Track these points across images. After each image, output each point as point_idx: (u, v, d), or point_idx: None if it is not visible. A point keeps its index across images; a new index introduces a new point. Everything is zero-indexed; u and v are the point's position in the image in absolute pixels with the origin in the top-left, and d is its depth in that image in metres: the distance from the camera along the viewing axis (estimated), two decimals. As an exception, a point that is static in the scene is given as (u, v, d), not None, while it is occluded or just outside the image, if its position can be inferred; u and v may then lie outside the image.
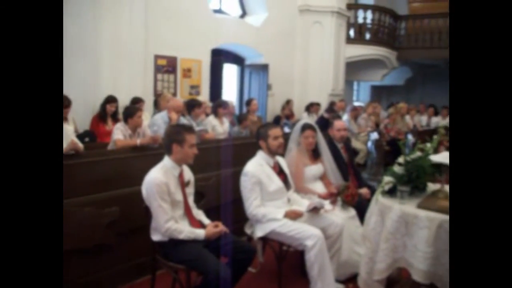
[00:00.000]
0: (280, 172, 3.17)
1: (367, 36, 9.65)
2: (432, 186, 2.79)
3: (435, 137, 2.83)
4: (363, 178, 4.30)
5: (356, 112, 7.91)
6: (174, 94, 5.83)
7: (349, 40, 9.26)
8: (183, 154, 2.50)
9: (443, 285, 2.38)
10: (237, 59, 7.97)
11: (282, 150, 3.16)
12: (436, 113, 9.64)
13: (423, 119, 9.33)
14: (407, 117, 8.42)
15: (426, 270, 2.32)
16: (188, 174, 2.67)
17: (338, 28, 8.74)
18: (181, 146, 2.48)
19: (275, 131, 3.04)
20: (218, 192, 3.61)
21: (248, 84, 7.97)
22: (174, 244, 2.44)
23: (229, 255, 2.57)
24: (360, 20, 9.53)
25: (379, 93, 13.65)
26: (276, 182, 3.04)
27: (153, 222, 2.48)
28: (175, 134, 2.48)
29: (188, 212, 2.59)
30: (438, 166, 2.70)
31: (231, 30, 6.91)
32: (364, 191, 3.80)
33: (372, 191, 3.86)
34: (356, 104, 10.25)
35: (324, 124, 7.69)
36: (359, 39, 9.51)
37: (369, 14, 9.57)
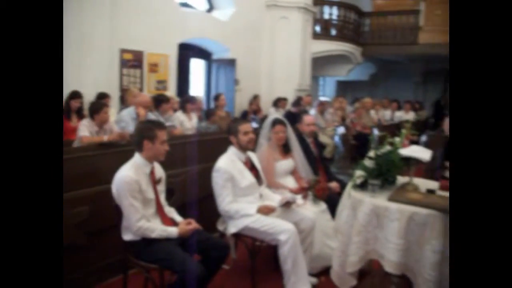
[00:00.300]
0: (252, 167, 3.16)
1: (333, 32, 9.80)
2: (401, 179, 2.86)
3: (403, 131, 2.90)
4: (332, 172, 4.36)
5: (323, 107, 8.02)
6: (141, 89, 5.68)
7: (315, 36, 9.35)
8: (155, 151, 2.44)
9: (413, 276, 2.46)
10: (204, 54, 7.88)
11: (252, 146, 3.15)
12: (399, 108, 9.93)
13: (387, 113, 9.59)
14: (372, 112, 8.63)
15: (397, 261, 2.38)
16: (160, 171, 2.61)
17: (304, 23, 8.81)
18: (152, 142, 2.42)
19: (245, 127, 3.03)
20: (189, 188, 3.56)
21: (215, 79, 7.90)
22: (146, 243, 2.38)
23: (203, 252, 2.55)
24: (326, 16, 9.65)
25: (344, 88, 13.91)
26: (248, 178, 3.03)
27: (124, 221, 2.41)
28: (146, 131, 2.42)
29: (160, 210, 2.54)
30: (407, 159, 2.78)
31: (198, 24, 6.81)
32: (333, 185, 3.85)
33: (341, 185, 3.93)
34: (322, 99, 10.40)
35: (292, 118, 7.77)
36: (325, 34, 9.63)
37: (334, 10, 9.70)
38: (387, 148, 2.71)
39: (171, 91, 6.16)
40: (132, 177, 2.33)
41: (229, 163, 2.99)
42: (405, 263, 2.43)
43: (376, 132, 7.20)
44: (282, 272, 3.00)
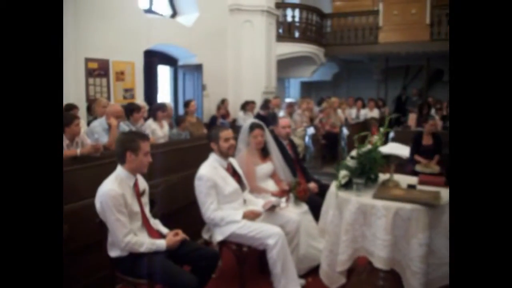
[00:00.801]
0: (234, 173, 3.14)
1: (296, 34, 9.92)
2: (382, 176, 2.93)
3: (381, 129, 2.96)
4: (309, 173, 4.41)
5: (291, 109, 8.09)
6: (108, 99, 5.51)
7: (279, 38, 9.43)
8: (138, 162, 2.37)
9: (402, 270, 2.52)
10: (170, 60, 7.76)
11: (233, 152, 3.13)
12: (363, 106, 10.19)
13: (353, 112, 9.81)
14: (339, 111, 8.81)
15: (387, 257, 2.43)
16: (143, 183, 2.54)
17: (268, 26, 8.87)
18: (135, 154, 2.35)
19: (226, 133, 3.01)
20: (169, 198, 3.49)
21: (182, 85, 7.79)
22: (135, 258, 2.31)
23: (192, 263, 2.50)
24: (289, 19, 9.76)
25: (308, 89, 14.12)
26: (231, 184, 3.01)
27: (110, 237, 2.32)
28: (129, 142, 2.34)
29: (146, 223, 2.47)
30: (387, 157, 2.85)
31: (163, 30, 6.69)
32: (312, 185, 3.89)
33: (319, 185, 3.98)
34: (288, 100, 10.51)
35: (262, 121, 7.82)
36: (288, 37, 9.74)
37: (297, 13, 9.84)
38: (368, 146, 2.76)
39: (139, 99, 6.02)
40: (117, 190, 2.25)
41: (211, 171, 2.96)
42: (394, 258, 2.49)
43: (345, 131, 7.38)
44: (272, 276, 3.00)
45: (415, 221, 2.43)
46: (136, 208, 2.39)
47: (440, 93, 11.98)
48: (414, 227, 2.43)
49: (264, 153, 3.65)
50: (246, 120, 8.16)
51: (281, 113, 8.14)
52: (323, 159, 7.77)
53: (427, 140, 5.55)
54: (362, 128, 8.48)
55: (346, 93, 12.95)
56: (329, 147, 7.88)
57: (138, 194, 2.44)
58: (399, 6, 9.74)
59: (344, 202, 2.64)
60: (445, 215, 2.52)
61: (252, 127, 3.52)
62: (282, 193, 3.52)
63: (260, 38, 8.76)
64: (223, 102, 8.09)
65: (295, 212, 3.29)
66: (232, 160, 3.22)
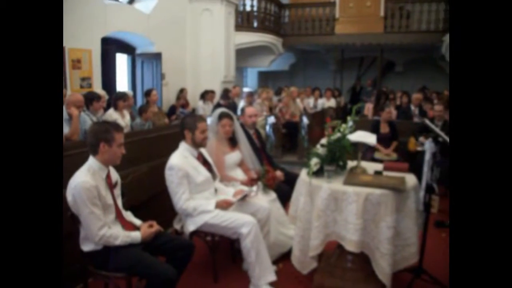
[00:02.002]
0: (204, 162, 3.13)
1: (255, 23, 9.91)
2: (350, 163, 3.03)
3: (349, 118, 3.06)
4: (275, 161, 4.47)
5: (251, 98, 8.12)
6: (64, 87, 5.25)
7: (238, 28, 9.38)
8: (111, 154, 2.30)
9: (371, 252, 2.63)
10: (128, 48, 7.50)
11: (205, 144, 3.11)
12: (320, 96, 10.42)
13: (311, 101, 10.00)
14: (298, 101, 8.95)
15: (358, 240, 2.54)
16: (115, 175, 2.47)
17: (227, 15, 8.79)
18: (109, 145, 2.27)
19: (203, 124, 2.98)
20: (138, 189, 3.42)
21: (140, 74, 7.58)
22: (109, 252, 2.25)
23: (168, 253, 2.48)
24: (248, 8, 9.73)
25: (265, 78, 14.20)
26: (203, 173, 2.99)
27: (83, 230, 2.25)
28: (103, 133, 2.26)
29: (119, 216, 2.41)
30: (355, 144, 2.96)
31: (121, 17, 6.44)
32: (278, 173, 3.95)
33: (285, 173, 4.06)
34: (246, 89, 10.53)
35: (222, 111, 7.80)
36: (247, 26, 9.71)
37: (255, 2, 9.82)
38: (338, 135, 2.84)
39: (96, 88, 5.78)
40: (90, 182, 2.17)
41: (182, 160, 2.92)
42: (363, 241, 2.60)
43: (305, 120, 7.53)
44: (246, 265, 3.04)
45: (384, 205, 2.55)
46: (110, 200, 2.32)
47: (392, 83, 12.51)
48: (382, 211, 2.56)
49: (233, 142, 3.66)
50: (205, 110, 8.16)
51: (242, 103, 8.17)
52: (283, 148, 7.89)
53: (384, 128, 5.78)
54: (321, 117, 8.70)
55: (303, 82, 13.17)
56: (289, 136, 8.01)
57: (111, 186, 2.37)
58: (354, -1, 10.02)
59: (315, 189, 2.71)
60: (409, 199, 2.67)
61: (221, 116, 3.51)
62: (251, 182, 3.56)
63: (219, 27, 8.68)
64: (182, 91, 7.98)
65: (264, 200, 3.34)
66: (202, 149, 3.20)
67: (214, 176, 3.13)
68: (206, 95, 8.22)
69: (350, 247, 2.59)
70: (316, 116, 8.29)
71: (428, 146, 2.76)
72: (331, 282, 2.95)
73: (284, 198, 3.78)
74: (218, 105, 7.89)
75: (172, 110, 7.41)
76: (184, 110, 7.68)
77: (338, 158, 2.83)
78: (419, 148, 5.33)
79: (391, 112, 6.13)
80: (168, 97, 7.91)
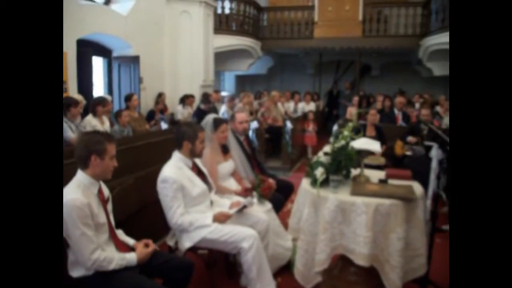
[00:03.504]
0: (199, 172, 2.93)
1: (234, 26, 9.76)
2: (353, 171, 2.90)
3: (349, 124, 2.93)
4: (266, 169, 4.32)
5: (232, 103, 7.96)
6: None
7: (216, 31, 9.20)
8: (103, 167, 2.08)
9: (379, 264, 2.51)
10: (104, 51, 7.17)
11: (202, 154, 2.91)
12: (299, 99, 10.36)
13: (291, 105, 9.92)
14: (279, 105, 8.84)
15: (368, 253, 2.41)
16: (106, 189, 2.25)
17: (206, 18, 8.59)
18: (101, 158, 2.05)
19: (203, 134, 2.80)
20: (126, 201, 3.18)
21: (117, 78, 7.26)
22: (103, 278, 2.02)
23: (165, 275, 2.27)
24: (227, 11, 9.56)
25: (243, 82, 14.05)
26: (199, 185, 2.79)
27: (72, 254, 2.01)
28: (95, 144, 2.04)
29: (113, 235, 2.18)
30: (358, 152, 2.84)
31: (97, 18, 6.11)
32: (271, 181, 3.80)
33: (277, 180, 3.90)
34: (224, 94, 10.35)
35: (201, 115, 7.61)
36: (226, 29, 9.55)
37: (234, 5, 9.67)
38: (342, 142, 2.71)
39: (72, 92, 5.45)
40: (82, 200, 1.94)
41: (176, 172, 2.71)
42: (373, 253, 2.47)
43: (289, 124, 7.41)
44: (243, 280, 2.89)
45: (394, 216, 2.43)
46: (103, 218, 2.09)
47: (368, 86, 12.60)
48: (392, 222, 2.44)
49: (225, 150, 3.49)
50: (185, 115, 7.93)
51: (223, 107, 7.99)
52: (266, 153, 7.75)
53: (370, 132, 5.74)
54: (303, 121, 8.63)
55: (280, 86, 13.08)
56: (272, 141, 7.88)
57: (104, 202, 2.15)
58: (333, 3, 10.00)
59: (321, 200, 2.57)
60: (418, 209, 2.56)
61: (218, 122, 3.34)
62: (245, 192, 3.39)
63: (198, 29, 8.47)
64: (161, 95, 7.74)
65: (260, 211, 3.18)
66: (196, 159, 3.00)
67: (210, 187, 2.94)
68: (185, 100, 8.00)
69: (360, 261, 2.45)
70: (298, 120, 8.20)
71: (434, 153, 2.67)
72: (335, 297, 2.82)
73: (277, 207, 3.63)
74: (198, 110, 7.69)
75: (151, 115, 7.14)
76: (162, 115, 7.43)
77: (343, 167, 2.69)
78: (407, 152, 5.31)
79: (376, 114, 6.10)
80: (146, 102, 7.63)
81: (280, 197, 3.79)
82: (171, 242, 2.85)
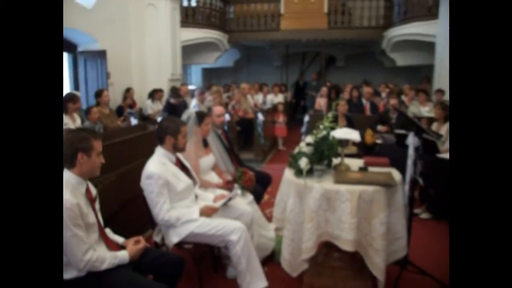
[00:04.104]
0: (182, 167, 2.92)
1: (200, 19, 9.66)
2: (334, 161, 2.99)
3: (328, 115, 3.00)
4: (243, 162, 4.35)
5: (203, 96, 7.92)
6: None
7: (183, 24, 9.08)
8: (91, 165, 2.04)
9: (363, 249, 2.61)
10: (69, 46, 6.91)
11: (185, 148, 2.90)
12: (268, 91, 10.42)
13: (260, 97, 9.96)
14: (249, 97, 8.86)
15: (354, 239, 2.50)
16: (93, 189, 2.21)
17: (172, 11, 8.45)
18: (88, 155, 2.01)
19: (185, 128, 2.78)
20: (109, 198, 3.13)
21: (83, 73, 7.04)
22: (96, 278, 1.99)
23: (156, 271, 2.27)
24: (193, 4, 9.44)
25: (209, 75, 13.95)
26: (183, 180, 2.79)
27: (64, 256, 1.96)
28: (81, 142, 1.99)
29: (102, 234, 2.15)
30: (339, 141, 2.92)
31: (60, 11, 5.90)
32: (251, 173, 3.84)
33: (255, 172, 3.95)
34: (191, 87, 10.25)
35: (172, 110, 7.53)
36: (192, 22, 9.43)
37: (200, -3, 9.58)
38: (323, 133, 2.78)
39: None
40: (71, 200, 1.90)
41: (161, 167, 2.69)
42: (357, 239, 2.57)
43: (260, 116, 7.46)
44: (233, 272, 2.91)
45: (376, 202, 2.54)
46: (92, 218, 2.06)
47: (333, 77, 12.83)
48: (375, 208, 2.54)
49: (205, 144, 3.49)
50: (154, 109, 7.81)
51: (193, 101, 7.93)
52: (238, 145, 7.76)
53: (341, 122, 5.88)
54: (273, 113, 8.71)
55: (247, 79, 13.06)
56: (244, 134, 7.90)
57: (92, 201, 2.11)
58: (299, -5, 10.12)
59: (306, 190, 2.64)
60: (398, 194, 2.69)
61: (201, 116, 3.35)
62: (227, 185, 3.41)
63: (165, 23, 8.34)
64: (129, 91, 7.58)
65: (243, 203, 3.22)
66: (178, 154, 2.99)
67: (194, 182, 2.94)
68: (154, 94, 7.88)
69: (345, 246, 2.54)
70: (268, 112, 8.27)
71: (411, 141, 2.79)
72: (321, 282, 2.91)
73: (257, 198, 3.68)
74: (168, 104, 7.59)
75: (120, 110, 6.99)
76: (131, 110, 7.29)
77: (325, 157, 2.77)
78: (378, 141, 5.49)
79: (345, 104, 6.26)
80: (115, 97, 7.44)
81: (260, 189, 3.83)
82: (157, 238, 2.83)
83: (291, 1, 10.20)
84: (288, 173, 2.87)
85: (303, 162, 2.63)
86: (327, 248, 2.94)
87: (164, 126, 2.75)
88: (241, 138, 7.92)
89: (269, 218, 3.81)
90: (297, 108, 12.93)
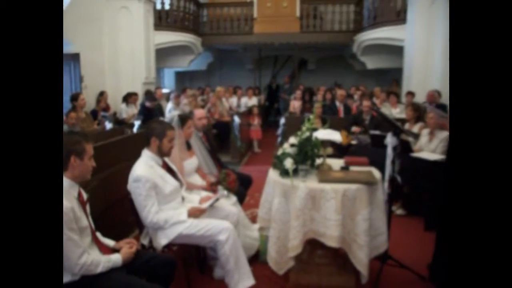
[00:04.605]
0: (169, 170, 2.95)
1: (174, 22, 9.63)
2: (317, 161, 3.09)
3: (311, 116, 3.10)
4: (224, 163, 4.40)
5: (178, 99, 7.90)
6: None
7: (157, 27, 9.04)
8: (83, 168, 2.05)
9: (347, 245, 2.72)
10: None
11: (171, 153, 2.92)
12: (242, 94, 10.49)
13: (234, 100, 10.02)
14: (224, 100, 8.91)
15: (339, 235, 2.61)
16: (84, 192, 2.21)
17: (146, 14, 8.40)
18: (80, 158, 2.02)
19: (172, 133, 2.80)
20: (95, 201, 3.11)
21: (55, 76, 6.87)
22: (91, 282, 2.00)
23: (149, 273, 2.29)
24: (167, 7, 9.41)
25: (182, 78, 13.89)
26: (171, 182, 2.81)
27: (59, 259, 1.97)
28: (73, 145, 1.99)
29: (95, 238, 2.16)
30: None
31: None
32: (234, 175, 3.90)
33: (236, 174, 4.01)
34: (165, 91, 10.19)
35: (147, 113, 7.48)
36: (166, 26, 9.40)
37: (174, 1, 9.55)
38: (307, 134, 2.88)
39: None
40: (66, 204, 1.90)
41: (148, 170, 2.71)
42: (341, 235, 2.68)
43: (237, 119, 7.52)
44: (220, 272, 2.96)
45: (359, 199, 2.66)
46: (85, 221, 2.07)
47: (304, 80, 13.05)
48: (358, 205, 2.66)
49: (188, 147, 3.52)
50: (129, 113, 7.73)
51: (169, 104, 7.90)
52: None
53: (317, 123, 6.01)
54: (248, 115, 8.79)
55: (219, 82, 13.09)
56: (220, 136, 7.94)
57: (84, 205, 2.12)
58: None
59: (291, 189, 2.72)
60: (378, 191, 2.82)
61: (184, 119, 3.39)
62: (211, 187, 3.46)
63: (138, 25, 8.29)
64: (102, 94, 7.48)
65: (227, 204, 3.27)
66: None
67: (181, 184, 2.97)
68: (128, 98, 7.80)
69: (331, 242, 2.64)
70: (243, 115, 8.35)
71: (389, 140, 2.93)
72: (307, 279, 3.01)
73: (240, 200, 3.75)
74: (144, 108, 7.54)
75: (94, 114, 6.88)
76: (106, 114, 7.19)
77: (309, 157, 2.86)
78: (353, 141, 5.66)
79: (321, 106, 6.42)
80: (88, 101, 7.30)
81: (242, 190, 3.90)
82: (144, 241, 2.84)
83: (264, 5, 10.33)
84: (273, 174, 2.95)
85: (289, 163, 2.72)
86: (311, 246, 3.02)
87: (151, 127, 2.78)
88: (217, 141, 7.95)
89: (250, 219, 3.89)
90: (270, 110, 13.07)
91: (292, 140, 3.05)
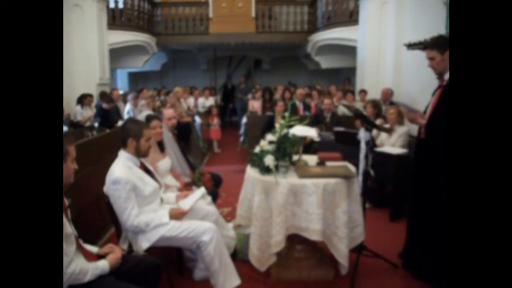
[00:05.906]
0: (146, 171, 2.88)
1: (128, 22, 9.36)
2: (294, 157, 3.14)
3: (286, 114, 3.15)
4: (194, 163, 4.36)
5: (137, 100, 7.71)
6: None
7: (110, 26, 8.74)
8: (66, 171, 1.95)
9: (327, 238, 2.80)
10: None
11: (149, 153, 2.84)
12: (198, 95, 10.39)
13: (191, 101, 9.91)
14: (182, 100, 8.78)
15: (321, 228, 2.68)
16: (65, 198, 2.11)
17: (99, 12, 8.10)
18: (63, 161, 1.93)
19: (149, 132, 2.72)
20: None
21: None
22: (80, 290, 1.92)
23: (135, 278, 2.23)
24: (120, 6, 9.12)
25: (136, 79, 13.53)
26: (150, 183, 2.74)
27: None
28: None
29: (79, 245, 2.06)
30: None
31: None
32: (208, 175, 3.88)
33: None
34: (120, 92, 9.89)
35: (104, 115, 7.23)
36: (120, 25, 9.11)
37: (128, 0, 9.28)
38: (285, 131, 2.93)
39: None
40: (52, 210, 1.81)
41: (127, 171, 2.62)
42: (322, 229, 2.75)
43: (198, 119, 7.45)
44: (201, 273, 2.94)
45: (338, 193, 2.75)
46: (69, 229, 1.97)
47: (260, 80, 13.18)
48: (338, 198, 2.75)
49: (161, 148, 3.46)
50: (84, 115, 7.42)
51: (127, 106, 7.69)
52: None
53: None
54: (207, 116, 8.74)
55: (173, 82, 12.90)
56: (181, 137, 7.81)
57: (67, 211, 2.02)
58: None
59: (273, 186, 2.76)
60: (355, 184, 2.92)
61: (149, 119, 3.31)
62: (184, 187, 3.43)
63: (91, 25, 7.98)
64: (55, 96, 7.10)
65: (204, 204, 3.25)
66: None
67: (160, 185, 2.91)
68: (83, 100, 7.50)
69: (314, 236, 2.71)
70: (203, 115, 8.31)
71: (362, 135, 3.05)
72: (287, 274, 3.06)
73: (214, 199, 3.73)
74: (100, 109, 7.29)
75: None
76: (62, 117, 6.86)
77: (287, 154, 2.91)
78: (315, 139, 5.80)
79: (282, 105, 6.52)
80: (39, 104, 6.94)
81: (215, 190, 3.88)
82: (124, 246, 2.75)
83: (219, 5, 10.31)
84: (252, 172, 2.97)
85: (270, 159, 2.75)
86: (289, 242, 3.07)
87: (127, 128, 2.69)
88: (178, 141, 7.82)
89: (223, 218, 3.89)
90: (225, 111, 13.06)
91: (270, 137, 3.08)
